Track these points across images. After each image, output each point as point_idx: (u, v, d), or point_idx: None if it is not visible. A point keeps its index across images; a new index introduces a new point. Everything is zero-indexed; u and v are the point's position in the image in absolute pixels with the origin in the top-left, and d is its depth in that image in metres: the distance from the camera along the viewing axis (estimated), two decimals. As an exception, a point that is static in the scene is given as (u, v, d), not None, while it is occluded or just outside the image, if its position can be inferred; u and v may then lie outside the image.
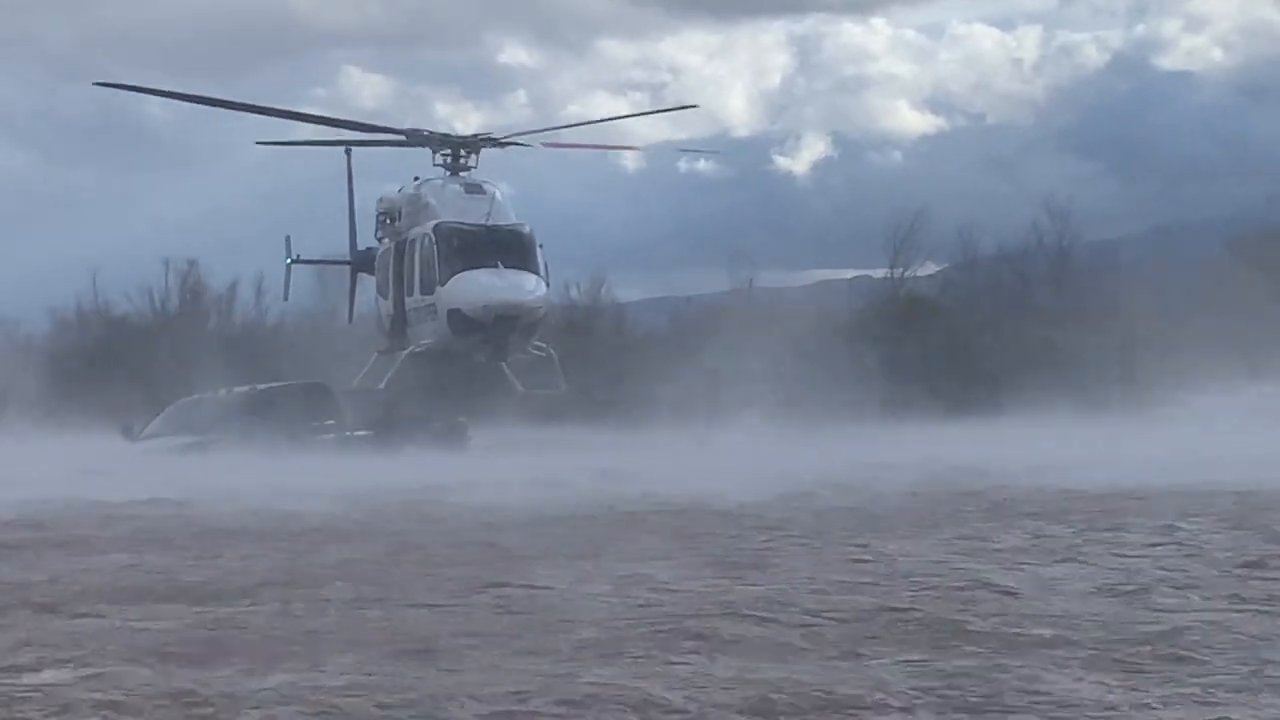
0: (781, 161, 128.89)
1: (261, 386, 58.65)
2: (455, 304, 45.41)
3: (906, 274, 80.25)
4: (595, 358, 73.84)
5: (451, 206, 47.26)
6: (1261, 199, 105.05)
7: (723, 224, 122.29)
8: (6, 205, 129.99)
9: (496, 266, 45.02)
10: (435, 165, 48.39)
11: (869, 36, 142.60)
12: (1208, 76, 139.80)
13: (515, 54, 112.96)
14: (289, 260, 52.16)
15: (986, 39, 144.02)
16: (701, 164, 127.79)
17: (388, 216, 48.77)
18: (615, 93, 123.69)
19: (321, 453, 52.95)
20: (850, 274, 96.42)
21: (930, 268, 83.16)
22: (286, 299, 53.33)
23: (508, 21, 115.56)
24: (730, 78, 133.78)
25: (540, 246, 46.99)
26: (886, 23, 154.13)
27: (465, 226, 46.15)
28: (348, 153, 52.06)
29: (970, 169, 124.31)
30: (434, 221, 46.22)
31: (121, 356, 75.84)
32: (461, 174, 47.98)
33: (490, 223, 46.28)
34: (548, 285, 47.21)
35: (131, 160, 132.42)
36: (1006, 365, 66.46)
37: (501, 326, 45.11)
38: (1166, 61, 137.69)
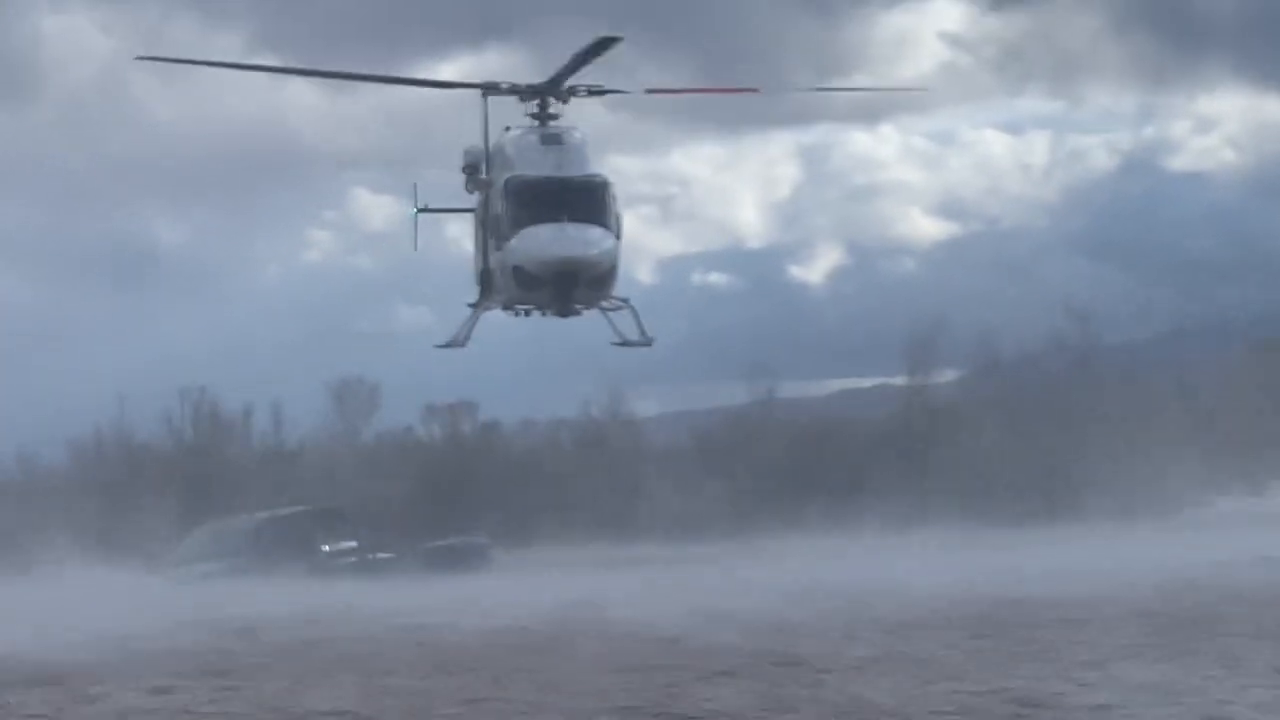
0: (795, 271, 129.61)
1: (282, 511, 58.66)
2: (518, 260, 44.34)
3: (927, 381, 79.76)
4: (614, 473, 73.63)
5: (527, 157, 45.97)
6: (1278, 298, 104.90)
7: (739, 336, 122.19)
8: (21, 337, 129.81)
9: (561, 220, 44.29)
10: (525, 116, 48.29)
11: (878, 144, 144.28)
12: (1219, 177, 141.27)
13: None
14: (415, 210, 51.57)
15: (996, 144, 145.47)
16: (714, 276, 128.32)
17: (472, 168, 48.65)
18: (624, 207, 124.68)
19: (345, 577, 52.83)
20: (870, 382, 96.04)
21: (950, 374, 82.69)
22: (416, 249, 51.73)
23: None
24: (740, 189, 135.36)
25: (614, 197, 46.35)
26: (895, 130, 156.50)
27: (534, 179, 45.01)
28: (484, 96, 51.99)
29: (986, 274, 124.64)
30: (507, 174, 46.74)
31: (142, 485, 75.63)
32: (547, 123, 47.97)
33: (561, 174, 45.26)
34: (618, 237, 47.04)
35: (145, 287, 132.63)
36: (1032, 472, 66.03)
37: (564, 282, 44.37)
38: (1177, 163, 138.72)
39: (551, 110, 48.96)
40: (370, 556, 55.65)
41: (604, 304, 48.83)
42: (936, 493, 65.30)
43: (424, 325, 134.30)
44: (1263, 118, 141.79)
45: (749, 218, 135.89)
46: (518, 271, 44.78)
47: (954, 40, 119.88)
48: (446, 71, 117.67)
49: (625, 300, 50.32)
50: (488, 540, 60.58)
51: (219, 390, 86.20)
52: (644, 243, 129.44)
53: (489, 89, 48.38)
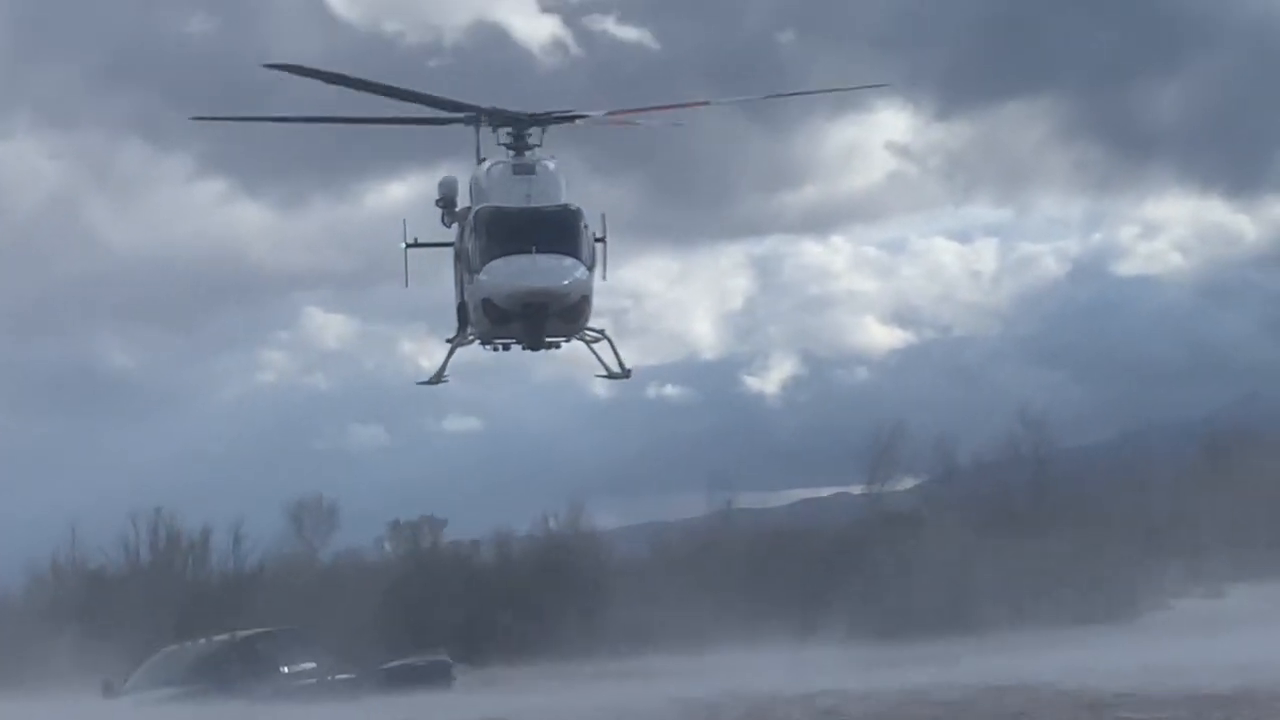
0: (751, 382, 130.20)
1: (241, 634, 58.38)
2: (486, 292, 43.98)
3: (885, 489, 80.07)
4: (576, 589, 73.45)
5: (499, 188, 45.45)
6: (1232, 400, 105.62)
7: (697, 447, 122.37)
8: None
9: (530, 251, 43.63)
10: (499, 145, 46.73)
11: (830, 255, 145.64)
12: (1168, 280, 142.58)
13: None
14: (405, 244, 49.81)
15: (947, 252, 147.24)
16: (670, 389, 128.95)
17: (446, 201, 46.96)
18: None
19: (305, 699, 52.71)
20: (829, 491, 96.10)
21: (908, 482, 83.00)
22: (406, 285, 50.06)
23: None
24: (693, 302, 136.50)
25: (586, 226, 44.82)
26: (846, 240, 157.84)
27: (503, 210, 44.53)
28: (477, 130, 49.60)
29: (940, 381, 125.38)
30: (477, 205, 45.39)
31: (98, 610, 75.28)
32: (524, 153, 46.38)
33: (531, 204, 44.68)
34: (591, 267, 45.09)
35: (99, 411, 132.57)
36: (992, 578, 66.18)
37: (533, 314, 43.86)
38: (1126, 267, 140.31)
39: (529, 140, 48.31)
40: (330, 678, 55.48)
41: (580, 336, 48.30)
42: (897, 602, 65.47)
43: (381, 443, 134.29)
44: (1209, 221, 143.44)
45: (703, 330, 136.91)
46: (487, 305, 43.51)
47: (901, 150, 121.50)
48: (396, 191, 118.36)
49: (601, 331, 49.63)
50: (449, 658, 60.30)
51: (176, 513, 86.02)
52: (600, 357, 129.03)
53: (468, 117, 47.15)
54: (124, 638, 64.85)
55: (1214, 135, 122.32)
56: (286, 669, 55.41)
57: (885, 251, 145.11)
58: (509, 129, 45.94)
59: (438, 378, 46.15)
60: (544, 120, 46.69)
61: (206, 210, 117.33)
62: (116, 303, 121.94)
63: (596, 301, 50.76)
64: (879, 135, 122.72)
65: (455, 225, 46.61)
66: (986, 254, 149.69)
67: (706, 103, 51.04)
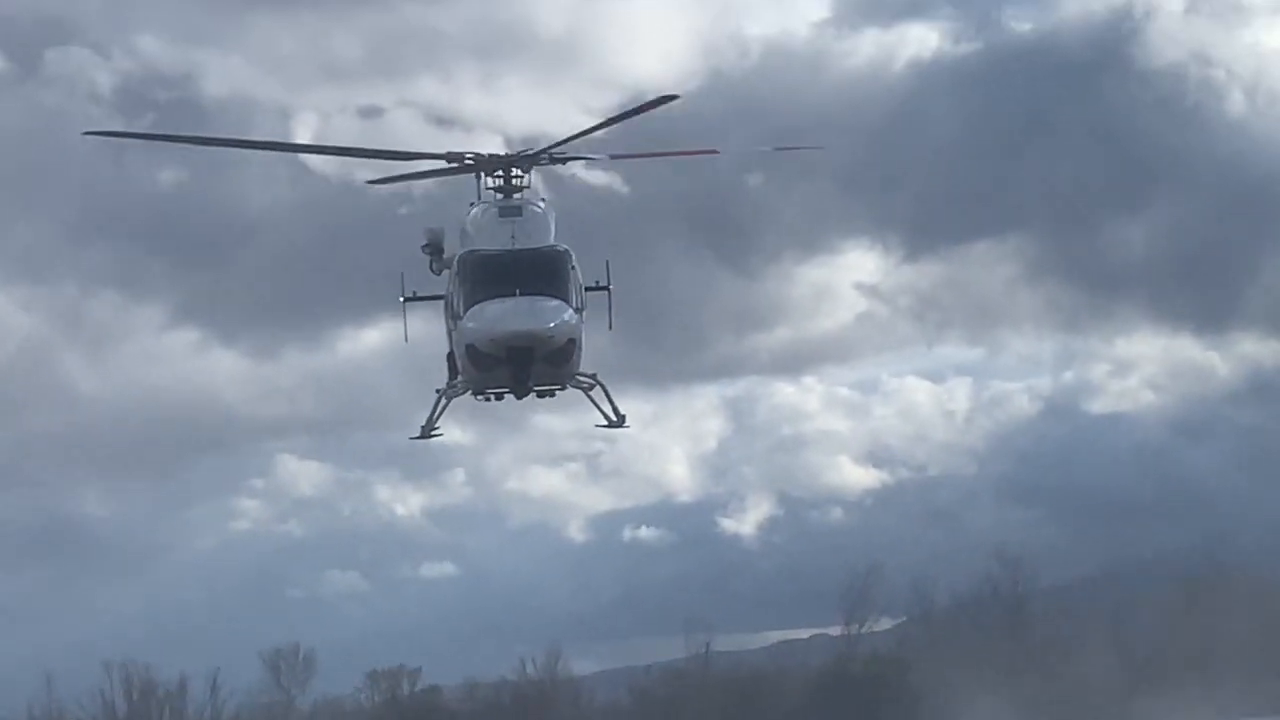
0: (727, 524, 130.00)
1: None
2: (470, 338, 40.83)
3: (863, 630, 79.98)
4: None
5: (485, 232, 42.12)
6: (1205, 535, 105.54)
7: (674, 590, 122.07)
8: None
9: (514, 295, 40.72)
10: (487, 190, 43.43)
11: (803, 395, 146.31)
12: (1140, 418, 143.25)
13: (451, 433, 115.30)
14: (403, 298, 46.47)
15: (919, 392, 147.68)
16: (645, 531, 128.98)
17: (433, 248, 43.28)
18: (551, 465, 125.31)
19: None
20: (807, 633, 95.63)
21: (886, 622, 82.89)
22: (406, 340, 46.31)
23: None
24: (667, 444, 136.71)
25: (574, 268, 41.68)
26: (819, 381, 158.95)
27: (486, 254, 41.37)
28: (478, 177, 46.19)
29: (916, 521, 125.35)
30: (462, 250, 41.91)
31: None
32: (512, 195, 43.12)
33: (516, 247, 41.65)
34: (579, 309, 41.74)
35: (74, 561, 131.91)
36: (974, 714, 66.01)
37: (518, 358, 40.61)
38: (1098, 405, 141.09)
39: (517, 182, 43.16)
40: None
41: (571, 382, 43.55)
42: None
43: (357, 589, 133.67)
44: (1179, 359, 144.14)
45: (678, 472, 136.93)
46: (471, 351, 40.80)
47: (871, 291, 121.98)
48: (370, 336, 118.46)
49: (593, 376, 46.44)
50: None
51: (151, 663, 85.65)
52: (574, 500, 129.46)
53: (452, 159, 44.19)
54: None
55: (1182, 274, 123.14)
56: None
57: (858, 392, 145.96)
58: (498, 172, 43.05)
59: (428, 430, 43.82)
60: (536, 160, 43.32)
61: (181, 360, 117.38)
62: (91, 453, 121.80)
63: (602, 348, 48.17)
64: (848, 276, 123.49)
65: (445, 273, 44.82)
66: (959, 393, 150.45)
67: (715, 151, 48.25)
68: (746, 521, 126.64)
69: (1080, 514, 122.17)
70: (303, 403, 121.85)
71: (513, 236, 41.31)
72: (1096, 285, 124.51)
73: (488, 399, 42.43)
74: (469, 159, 43.88)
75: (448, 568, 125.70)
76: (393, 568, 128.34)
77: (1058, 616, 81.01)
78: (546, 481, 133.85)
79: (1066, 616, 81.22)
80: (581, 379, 42.69)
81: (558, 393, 43.18)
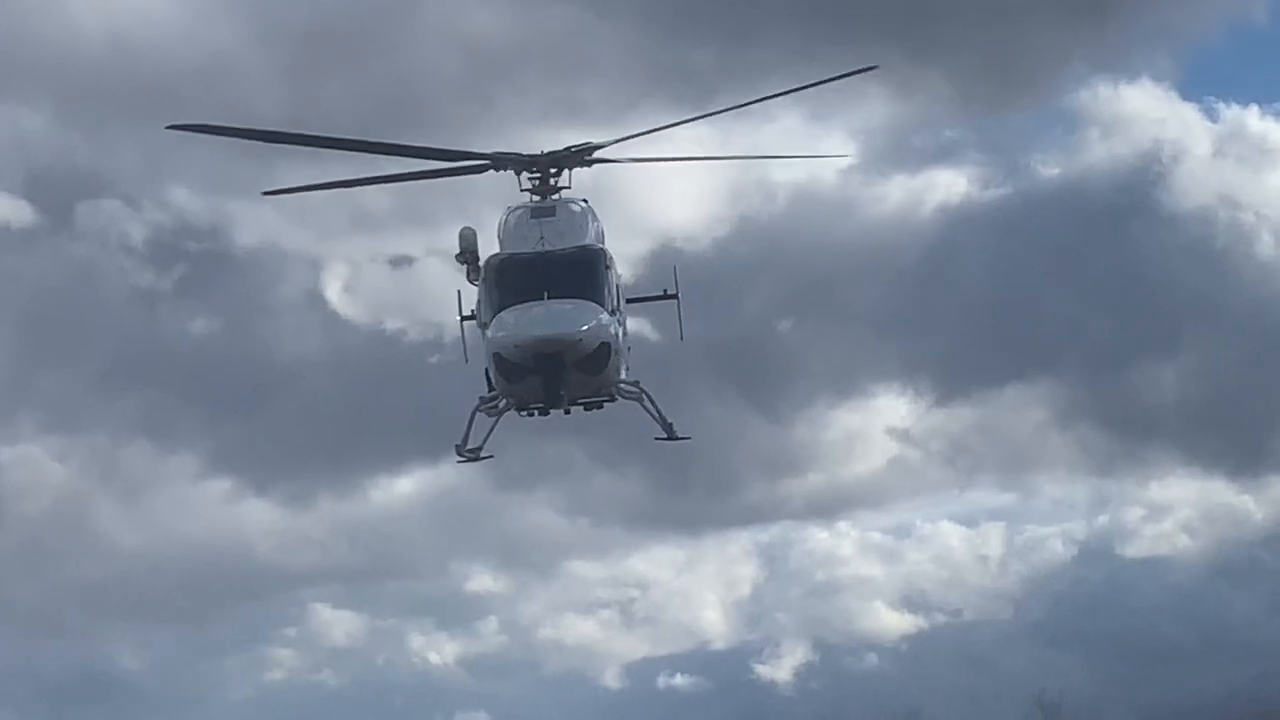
0: (762, 670, 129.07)
1: None
2: (495, 347, 38.72)
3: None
4: None
5: (515, 234, 40.65)
6: (1248, 678, 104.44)
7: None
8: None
9: (542, 298, 38.31)
10: (522, 191, 42.37)
11: (837, 540, 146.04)
12: (1176, 562, 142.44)
13: (484, 581, 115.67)
14: (460, 316, 43.16)
15: (953, 536, 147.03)
16: (680, 679, 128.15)
17: (465, 255, 41.27)
18: (585, 612, 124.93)
19: None
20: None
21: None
22: (466, 360, 41.76)
23: (473, 550, 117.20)
24: (701, 590, 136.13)
25: (609, 268, 40.19)
26: (852, 526, 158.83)
27: (515, 256, 39.72)
28: (517, 178, 42.83)
29: (953, 667, 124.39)
30: (490, 256, 40.82)
31: None
32: (548, 196, 41.90)
33: (544, 248, 39.77)
34: (614, 311, 39.88)
35: (108, 715, 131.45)
36: None
37: (547, 366, 37.87)
38: (1132, 549, 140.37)
39: (554, 182, 41.30)
40: None
41: (611, 393, 40.66)
42: None
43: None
44: (1215, 502, 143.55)
45: (712, 618, 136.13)
46: (498, 360, 38.25)
47: (902, 435, 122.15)
48: (403, 485, 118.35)
49: (636, 384, 41.98)
50: None
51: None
52: (608, 648, 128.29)
53: (498, 163, 41.12)
54: None
55: (1214, 417, 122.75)
56: None
57: (891, 536, 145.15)
58: (532, 172, 41.19)
59: (465, 448, 40.25)
60: (563, 160, 41.24)
61: (214, 509, 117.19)
62: (124, 603, 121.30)
63: (671, 359, 45.35)
64: (880, 421, 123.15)
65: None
66: (993, 537, 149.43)
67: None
68: (782, 668, 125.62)
69: (1118, 658, 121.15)
70: (336, 551, 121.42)
71: (541, 238, 39.60)
72: (1128, 429, 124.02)
73: (530, 414, 39.66)
74: (508, 160, 41.33)
75: (481, 716, 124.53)
76: (426, 716, 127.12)
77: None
78: (580, 629, 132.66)
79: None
80: (626, 388, 41.06)
81: (606, 405, 41.08)
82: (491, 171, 41.92)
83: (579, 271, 39.07)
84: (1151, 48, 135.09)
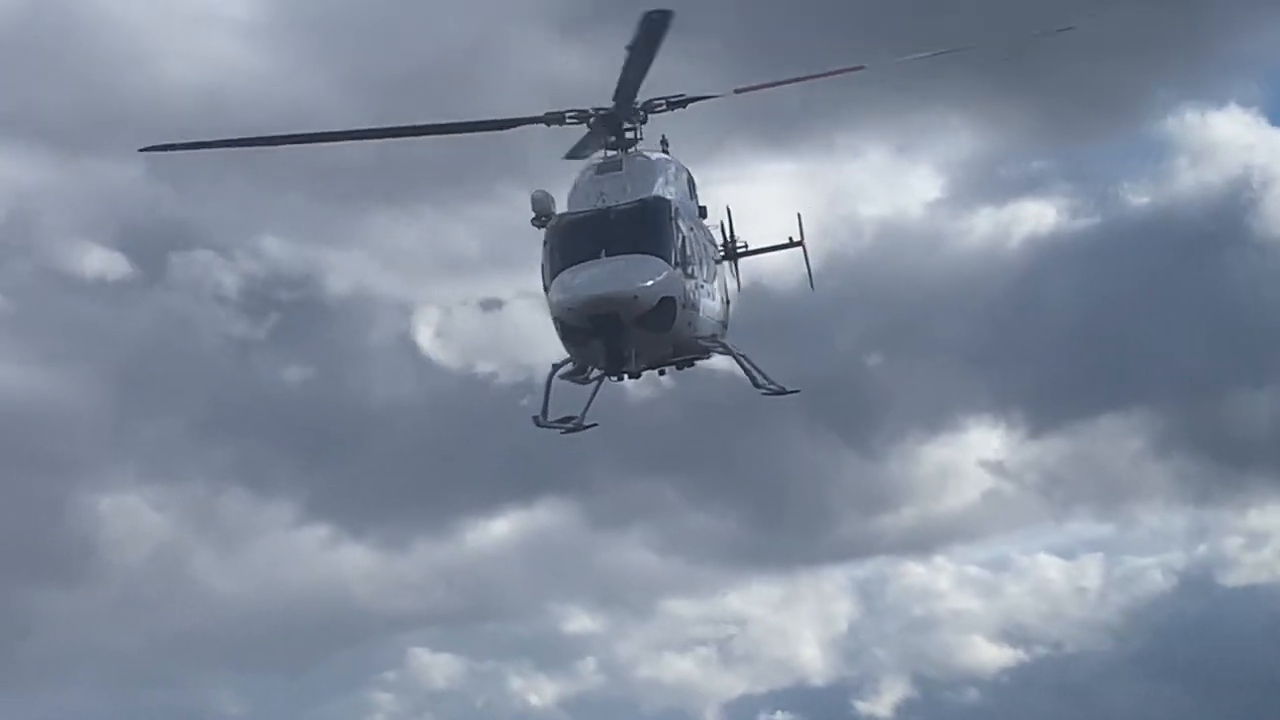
0: (862, 706, 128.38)
1: None
2: (554, 312, 36.51)
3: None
4: None
5: (579, 193, 38.46)
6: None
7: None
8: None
9: (599, 257, 36.06)
10: (600, 148, 40.03)
11: (933, 575, 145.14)
12: (1277, 590, 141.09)
13: (581, 621, 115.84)
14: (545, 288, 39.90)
15: (1051, 569, 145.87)
16: (780, 715, 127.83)
17: (539, 219, 38.33)
18: (682, 650, 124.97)
19: None
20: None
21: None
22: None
23: (569, 590, 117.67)
24: (798, 627, 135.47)
25: (674, 218, 37.42)
26: (948, 560, 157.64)
27: (572, 216, 37.48)
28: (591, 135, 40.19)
29: (1055, 699, 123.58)
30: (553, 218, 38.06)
31: None
32: (624, 150, 39.35)
33: (604, 205, 37.26)
34: (685, 264, 37.18)
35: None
36: None
37: (604, 328, 35.38)
38: (1233, 578, 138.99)
39: (630, 135, 39.15)
40: None
41: (698, 354, 37.95)
42: None
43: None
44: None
45: (810, 655, 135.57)
46: (559, 326, 36.30)
47: (996, 468, 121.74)
48: (499, 526, 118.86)
49: (715, 339, 38.73)
50: None
51: None
52: (707, 686, 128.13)
53: (552, 120, 39.34)
54: None
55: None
56: None
57: (989, 570, 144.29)
58: (609, 128, 38.87)
59: (546, 418, 38.09)
60: (656, 108, 38.91)
61: (311, 555, 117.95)
62: (224, 651, 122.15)
63: (804, 309, 41.99)
64: (972, 454, 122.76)
65: None
66: (1091, 569, 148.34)
67: (861, 67, 41.64)
68: (882, 704, 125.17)
69: (1221, 688, 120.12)
70: (433, 595, 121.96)
71: (601, 194, 37.27)
72: (1225, 457, 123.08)
73: (619, 378, 37.01)
74: (570, 117, 39.02)
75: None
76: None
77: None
78: (678, 667, 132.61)
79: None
80: (712, 344, 37.96)
81: (697, 363, 38.22)
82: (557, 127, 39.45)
83: (638, 226, 36.72)
84: (1238, 74, 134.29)
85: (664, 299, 35.91)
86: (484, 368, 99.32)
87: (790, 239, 42.97)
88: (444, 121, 40.00)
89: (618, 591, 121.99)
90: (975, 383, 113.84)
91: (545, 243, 37.63)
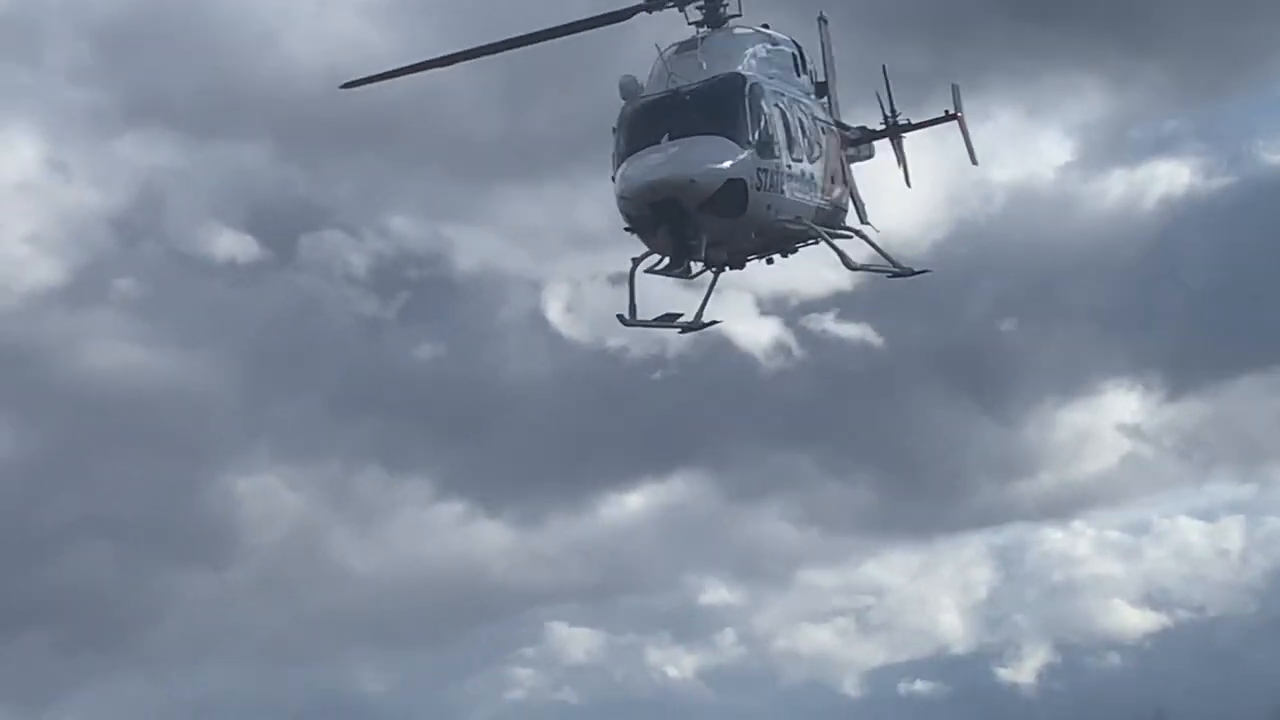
0: (1003, 673, 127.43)
1: None
2: (618, 203, 34.72)
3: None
4: None
5: (656, 77, 36.30)
6: None
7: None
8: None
9: (660, 142, 34.24)
10: (689, 25, 37.94)
11: (1073, 540, 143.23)
12: None
13: (719, 593, 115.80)
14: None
15: (1192, 532, 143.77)
16: (920, 684, 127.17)
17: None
18: (821, 621, 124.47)
19: None
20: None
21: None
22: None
23: (706, 562, 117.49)
24: (937, 595, 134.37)
25: (749, 95, 35.37)
26: (1088, 525, 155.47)
27: (640, 101, 35.54)
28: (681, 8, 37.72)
29: (1200, 663, 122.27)
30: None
31: None
32: (715, 28, 37.62)
33: (672, 87, 35.31)
34: (760, 144, 35.09)
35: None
36: None
37: (665, 214, 33.39)
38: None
39: (725, 11, 37.51)
40: None
41: (785, 241, 36.00)
42: None
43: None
44: None
45: (950, 623, 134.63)
46: (625, 217, 34.53)
47: (1134, 432, 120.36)
48: (634, 500, 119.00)
49: (818, 224, 36.55)
50: None
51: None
52: (846, 656, 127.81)
53: (654, 5, 37.60)
54: None
55: None
56: None
57: (1129, 534, 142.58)
58: (700, 6, 37.30)
59: (633, 316, 36.61)
60: None
61: (447, 532, 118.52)
62: (364, 628, 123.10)
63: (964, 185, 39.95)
64: (1110, 418, 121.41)
65: None
66: (1233, 531, 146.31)
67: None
68: (1024, 670, 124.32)
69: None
70: (570, 569, 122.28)
71: (671, 75, 35.08)
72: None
73: (717, 270, 35.45)
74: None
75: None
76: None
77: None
78: (817, 638, 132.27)
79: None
80: (812, 230, 35.41)
81: (799, 248, 36.26)
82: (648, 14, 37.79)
83: (708, 106, 34.71)
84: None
85: (731, 181, 33.87)
86: (614, 342, 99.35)
87: (946, 112, 41.48)
88: (561, 24, 38.80)
89: (755, 563, 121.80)
90: (1112, 346, 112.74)
91: (614, 130, 35.93)
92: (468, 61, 42.06)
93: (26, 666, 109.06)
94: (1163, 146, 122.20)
